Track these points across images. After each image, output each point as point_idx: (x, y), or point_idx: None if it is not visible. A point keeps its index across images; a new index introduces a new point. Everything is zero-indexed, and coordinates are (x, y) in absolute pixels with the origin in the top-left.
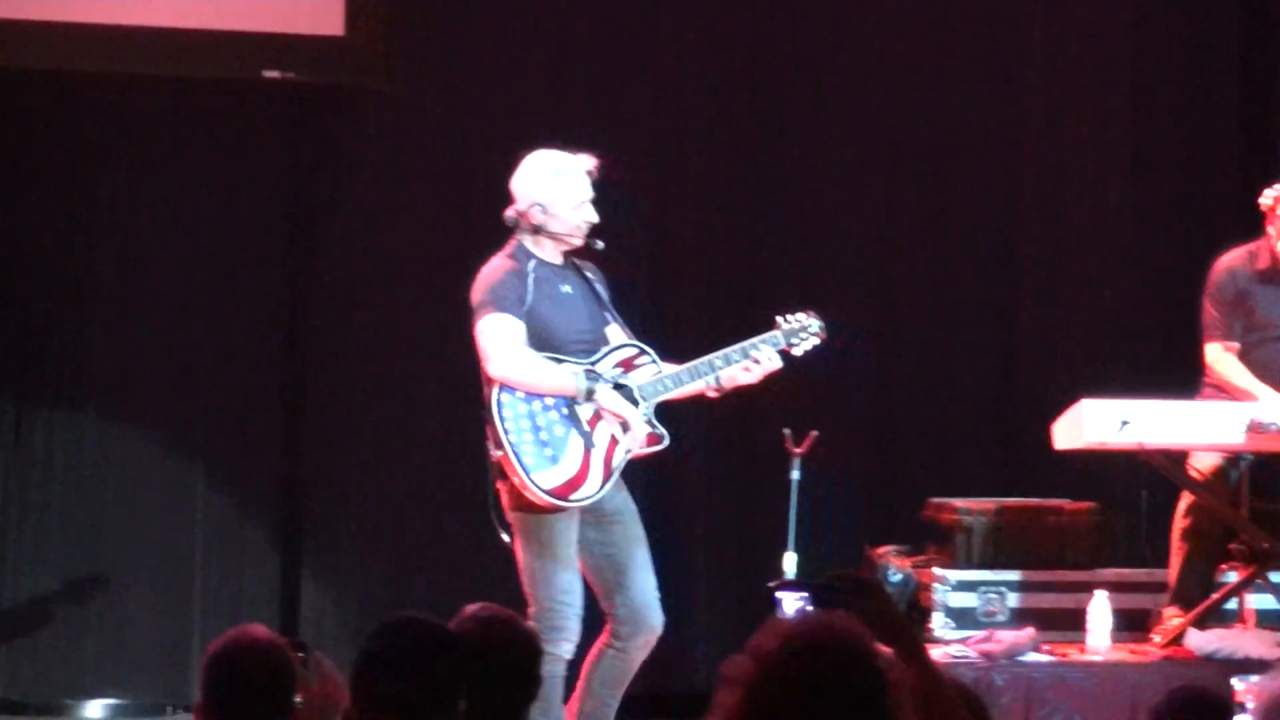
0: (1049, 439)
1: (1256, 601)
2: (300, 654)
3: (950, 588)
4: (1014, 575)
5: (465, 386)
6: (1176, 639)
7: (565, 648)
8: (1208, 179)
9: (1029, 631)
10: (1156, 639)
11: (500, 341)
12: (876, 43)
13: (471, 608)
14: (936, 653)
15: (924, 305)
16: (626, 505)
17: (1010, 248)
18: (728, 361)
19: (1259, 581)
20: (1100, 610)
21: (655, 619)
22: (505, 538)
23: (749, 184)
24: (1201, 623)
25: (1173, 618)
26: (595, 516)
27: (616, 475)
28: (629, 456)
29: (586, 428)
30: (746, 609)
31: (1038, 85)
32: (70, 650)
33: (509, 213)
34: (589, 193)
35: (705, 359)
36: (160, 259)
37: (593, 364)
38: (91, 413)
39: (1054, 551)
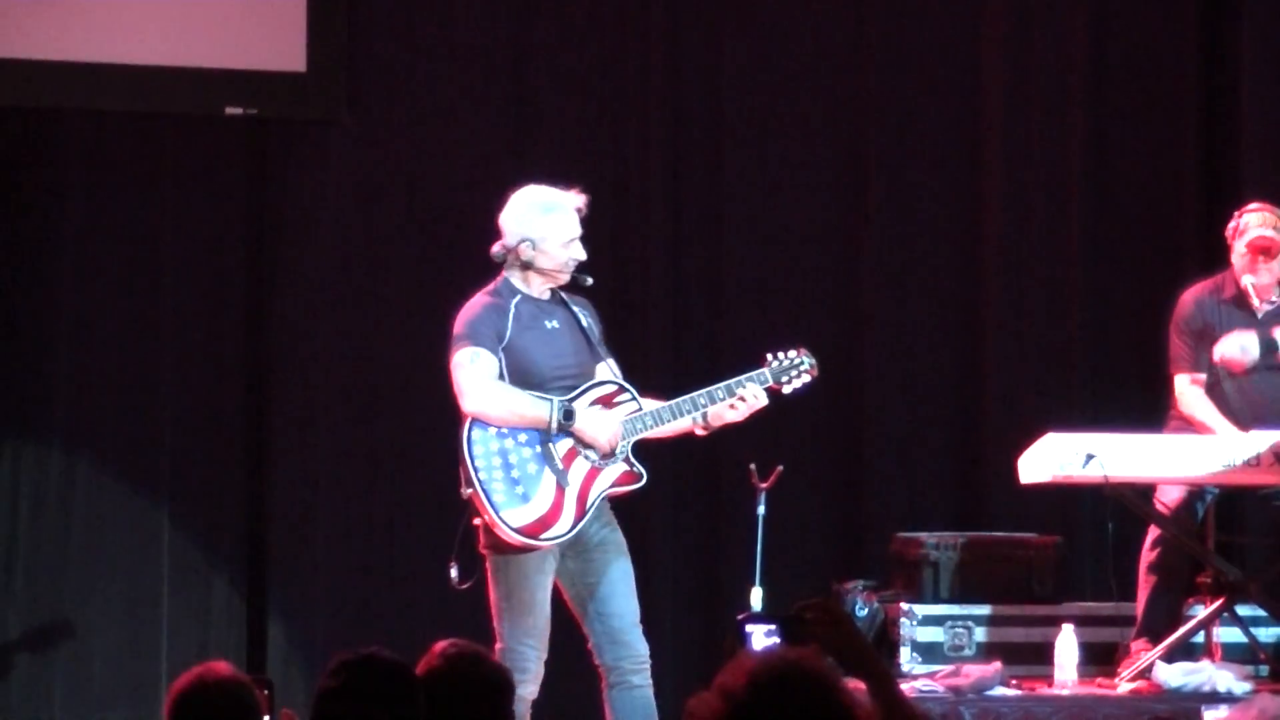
0: (1015, 473)
1: (1224, 635)
2: (266, 691)
3: (917, 622)
4: (981, 609)
5: (431, 419)
6: (1144, 673)
7: (528, 688)
8: (1169, 211)
9: (996, 665)
10: (1124, 673)
11: (473, 376)
12: (835, 73)
13: (441, 644)
14: (904, 687)
15: (889, 338)
16: (612, 538)
17: (974, 280)
18: (711, 400)
19: (1226, 615)
20: (1067, 644)
21: (638, 644)
22: (453, 575)
23: (708, 214)
24: (1169, 656)
25: (1140, 651)
26: (576, 550)
27: (591, 514)
28: (604, 495)
29: (560, 465)
30: (713, 643)
31: (996, 117)
32: (36, 686)
33: (496, 248)
34: (578, 229)
35: (688, 397)
36: (123, 295)
37: (570, 401)
38: (57, 448)
39: (1021, 585)
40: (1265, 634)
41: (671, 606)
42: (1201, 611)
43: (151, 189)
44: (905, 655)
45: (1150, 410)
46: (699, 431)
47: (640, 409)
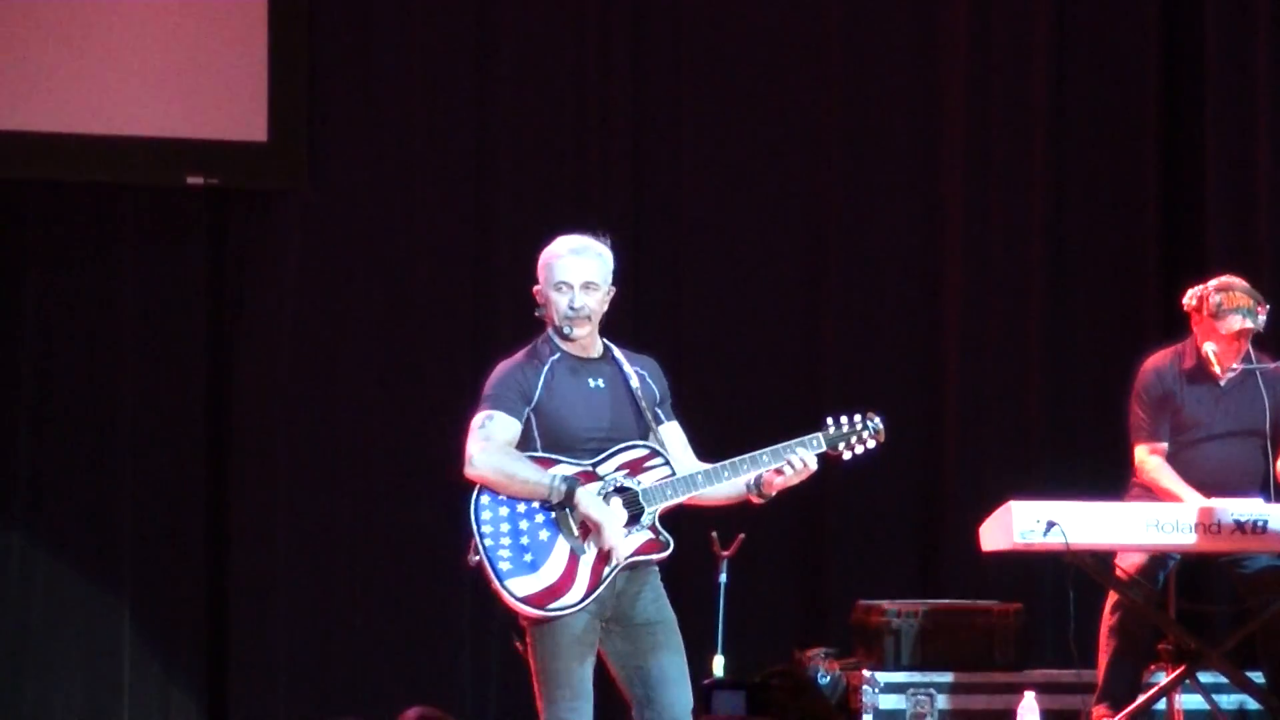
0: (976, 541)
1: (1185, 702)
2: None
3: (879, 689)
4: (943, 677)
5: (392, 487)
6: None
7: None
8: (1131, 280)
9: None
10: None
11: (477, 441)
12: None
13: (410, 714)
14: None
15: (850, 405)
16: (661, 615)
17: (935, 348)
18: (755, 464)
19: (1188, 682)
20: (1029, 711)
21: None
22: (518, 647)
23: (669, 277)
24: None
25: (1101, 718)
26: (621, 626)
27: (606, 586)
28: (622, 565)
29: (576, 533)
30: None
31: (956, 185)
32: None
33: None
34: (575, 276)
35: (728, 462)
36: (82, 367)
37: (594, 464)
38: (17, 529)
39: (982, 653)
40: (1227, 701)
41: None
42: (1163, 678)
43: (112, 259)
44: None
45: (1111, 478)
46: (754, 499)
47: (673, 474)
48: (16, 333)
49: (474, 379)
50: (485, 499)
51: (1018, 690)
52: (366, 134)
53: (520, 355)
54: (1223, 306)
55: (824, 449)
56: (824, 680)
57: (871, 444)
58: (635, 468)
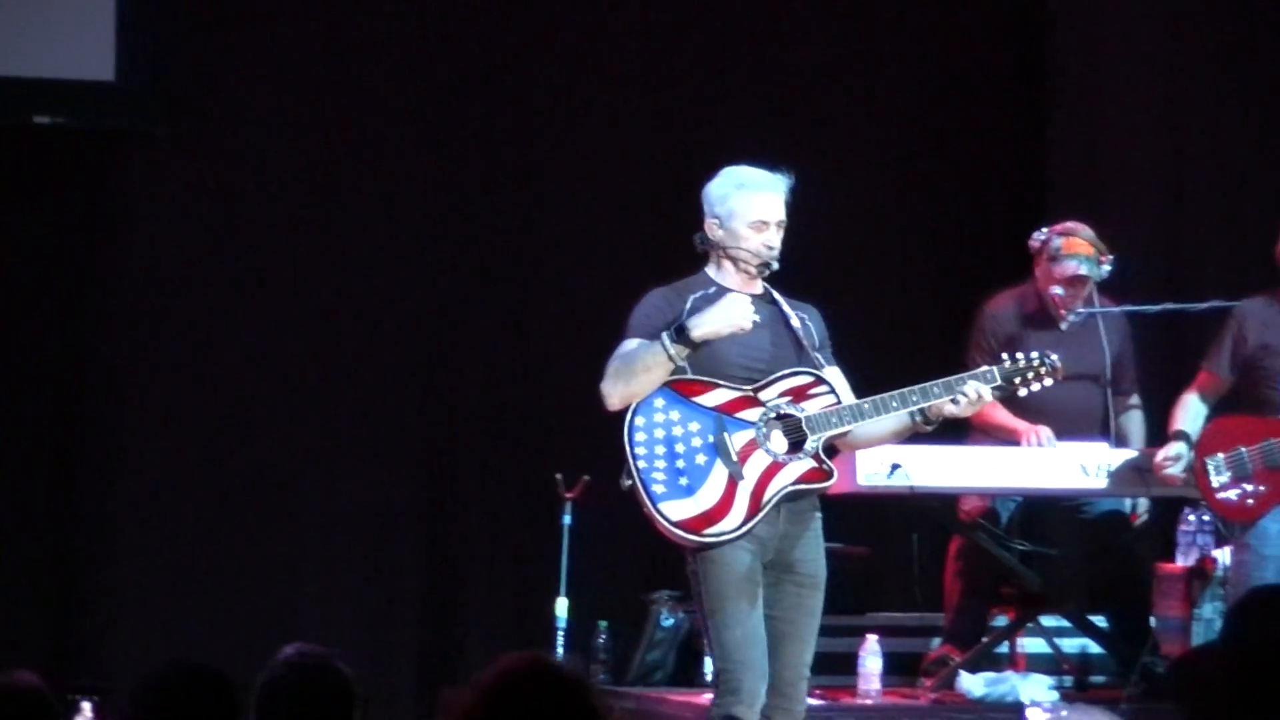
0: None
1: (1028, 645)
2: (96, 697)
3: None
4: None
5: (249, 429)
6: (948, 682)
7: (741, 711)
8: (979, 219)
9: None
10: (928, 683)
11: (608, 369)
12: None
13: (287, 650)
14: (707, 697)
15: None
16: (815, 570)
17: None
18: (925, 396)
19: (1030, 625)
20: (872, 654)
21: (796, 700)
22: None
23: (524, 225)
24: (973, 666)
25: (945, 660)
26: (777, 569)
27: (766, 511)
28: (787, 491)
29: (735, 458)
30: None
31: (807, 131)
32: None
33: (699, 233)
34: (774, 214)
35: (896, 393)
36: None
37: (755, 390)
38: None
39: (825, 595)
40: (1069, 644)
41: (479, 618)
42: (1006, 621)
43: None
44: (709, 665)
45: (955, 420)
46: (923, 427)
47: (839, 403)
48: None
49: (325, 311)
50: (640, 419)
51: (861, 633)
52: (216, 70)
53: (664, 287)
54: (1062, 251)
55: (999, 383)
56: (668, 623)
57: (1049, 381)
58: (799, 394)
